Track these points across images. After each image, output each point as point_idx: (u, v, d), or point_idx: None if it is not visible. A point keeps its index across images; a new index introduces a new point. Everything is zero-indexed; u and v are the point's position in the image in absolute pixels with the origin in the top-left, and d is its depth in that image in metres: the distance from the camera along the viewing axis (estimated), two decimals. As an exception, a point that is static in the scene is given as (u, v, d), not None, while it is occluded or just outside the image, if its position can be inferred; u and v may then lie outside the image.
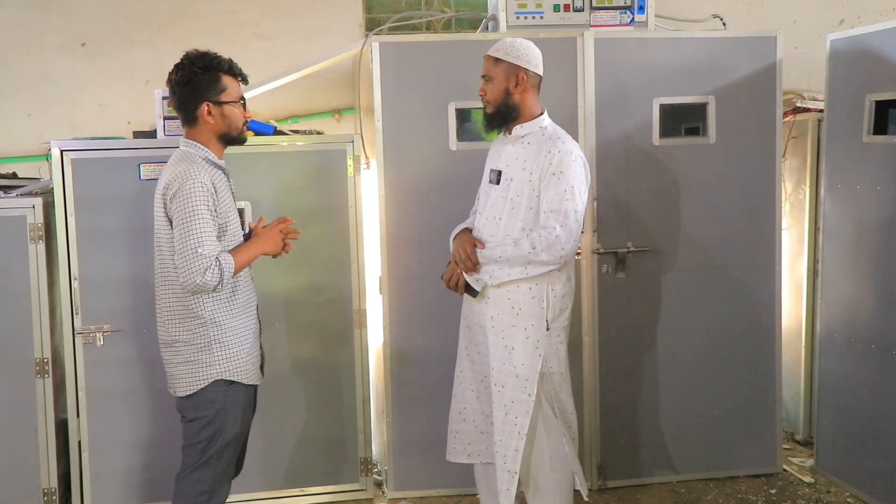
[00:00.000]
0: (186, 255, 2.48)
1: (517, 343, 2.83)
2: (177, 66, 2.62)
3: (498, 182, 2.90)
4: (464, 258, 2.87)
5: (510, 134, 2.91)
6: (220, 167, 2.67)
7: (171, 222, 2.55)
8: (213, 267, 2.49)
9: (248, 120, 2.76)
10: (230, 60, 2.66)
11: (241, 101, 2.69)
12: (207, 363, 2.61)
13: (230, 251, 2.60)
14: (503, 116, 2.88)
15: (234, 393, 2.67)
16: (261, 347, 2.83)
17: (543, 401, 2.88)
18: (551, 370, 2.88)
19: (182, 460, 2.69)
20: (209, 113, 2.61)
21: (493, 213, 2.89)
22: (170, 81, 2.64)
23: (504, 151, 2.92)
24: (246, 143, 2.82)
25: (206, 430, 2.63)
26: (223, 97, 2.62)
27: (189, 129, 2.66)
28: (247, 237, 2.79)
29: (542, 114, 2.91)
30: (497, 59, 2.86)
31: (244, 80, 2.71)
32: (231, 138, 2.69)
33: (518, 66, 2.84)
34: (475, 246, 2.88)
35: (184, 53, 2.64)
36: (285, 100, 4.27)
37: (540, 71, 2.90)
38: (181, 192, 2.50)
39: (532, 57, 2.87)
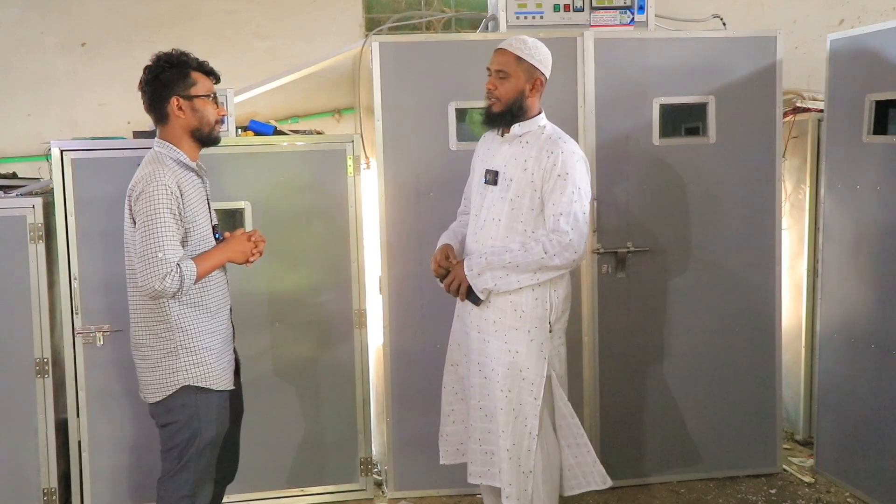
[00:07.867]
0: (146, 260, 2.42)
1: (521, 346, 2.80)
2: (146, 67, 2.60)
3: (495, 183, 2.84)
4: (439, 269, 2.90)
5: (508, 133, 2.86)
6: (192, 168, 2.61)
7: (135, 223, 2.48)
8: (172, 273, 2.42)
9: (222, 117, 2.68)
10: (199, 59, 2.63)
11: (212, 97, 2.63)
12: (174, 369, 2.55)
13: (195, 257, 2.53)
14: (511, 116, 2.83)
15: (206, 398, 2.60)
16: (235, 352, 2.77)
17: (543, 407, 2.84)
18: (555, 372, 2.87)
19: (162, 466, 2.65)
20: (179, 108, 2.57)
21: (491, 214, 2.85)
22: (141, 83, 2.60)
23: (500, 151, 2.87)
24: (243, 144, 2.78)
25: (181, 435, 2.58)
26: (192, 91, 2.58)
27: (161, 128, 2.61)
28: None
29: (540, 113, 2.88)
30: (519, 58, 2.80)
31: (216, 78, 2.66)
32: (203, 135, 2.62)
33: (538, 69, 2.81)
34: (448, 256, 2.90)
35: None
36: (285, 100, 4.27)
37: (549, 74, 2.89)
38: (144, 195, 2.45)
39: (549, 62, 2.87)
